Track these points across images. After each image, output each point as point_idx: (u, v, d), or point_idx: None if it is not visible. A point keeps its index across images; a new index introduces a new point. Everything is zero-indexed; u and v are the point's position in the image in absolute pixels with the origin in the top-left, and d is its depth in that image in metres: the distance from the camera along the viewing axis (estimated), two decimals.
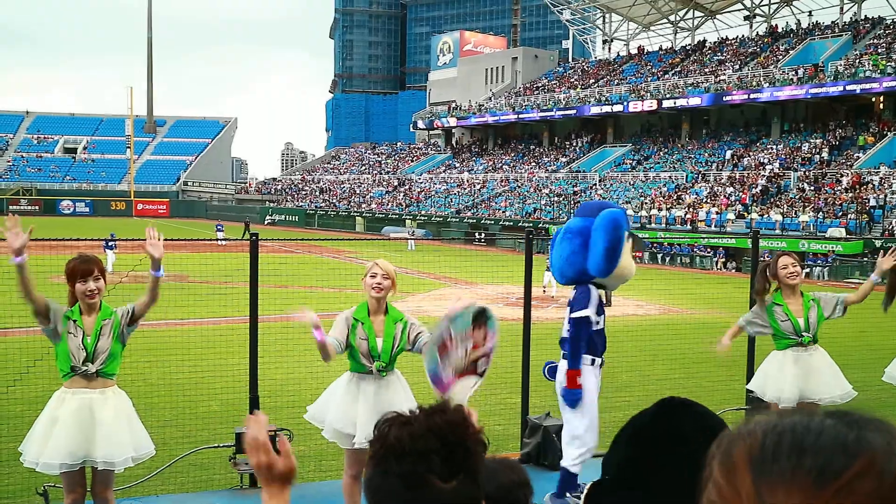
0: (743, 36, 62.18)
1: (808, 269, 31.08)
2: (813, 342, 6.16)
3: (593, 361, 5.41)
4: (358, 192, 72.76)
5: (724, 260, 36.79)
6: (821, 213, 36.84)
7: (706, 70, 56.79)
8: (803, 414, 0.82)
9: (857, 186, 38.30)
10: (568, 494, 5.53)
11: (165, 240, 4.96)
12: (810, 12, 59.63)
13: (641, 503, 1.45)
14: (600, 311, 5.40)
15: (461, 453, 1.47)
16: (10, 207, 77.16)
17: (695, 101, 52.00)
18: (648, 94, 55.46)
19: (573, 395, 5.36)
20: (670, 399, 1.54)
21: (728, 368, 10.16)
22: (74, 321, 4.63)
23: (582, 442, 5.46)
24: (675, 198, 45.03)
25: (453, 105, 75.11)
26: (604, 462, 1.61)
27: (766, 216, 38.37)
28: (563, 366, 5.44)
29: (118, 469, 4.69)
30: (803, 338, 6.08)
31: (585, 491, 1.63)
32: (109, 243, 24.73)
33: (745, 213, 40.10)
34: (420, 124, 77.58)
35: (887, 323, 7.94)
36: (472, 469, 1.49)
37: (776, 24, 60.79)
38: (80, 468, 4.61)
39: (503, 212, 53.57)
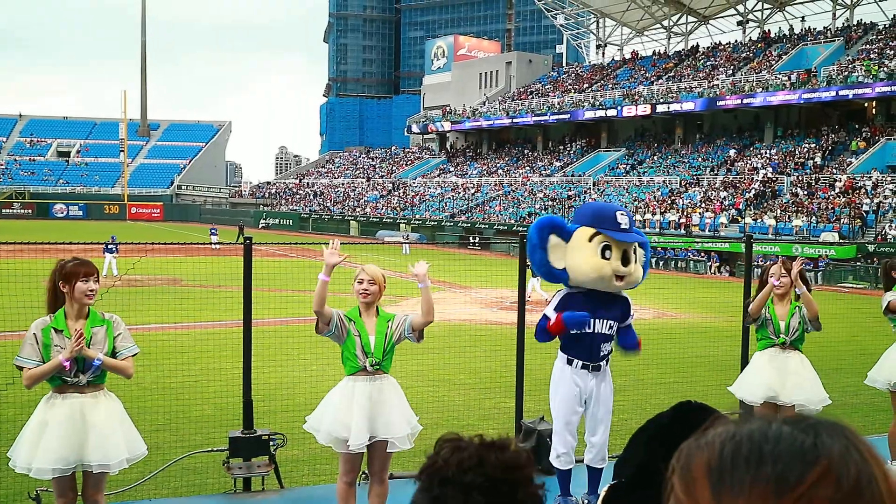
0: (736, 41, 62.41)
1: None
2: (790, 346, 6.31)
3: (570, 362, 5.40)
4: (352, 196, 72.73)
5: (717, 264, 36.87)
6: (814, 217, 36.96)
7: (699, 75, 56.99)
8: (762, 421, 0.81)
9: (850, 191, 38.45)
10: (571, 497, 5.58)
11: (159, 244, 4.92)
12: (803, 18, 59.89)
13: (650, 500, 1.45)
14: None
15: (506, 499, 1.40)
16: (4, 211, 76.96)
17: (688, 106, 52.16)
18: (642, 99, 55.61)
19: (542, 324, 5.41)
20: (687, 403, 1.54)
21: (721, 372, 10.19)
22: (60, 331, 4.50)
23: (557, 439, 5.52)
24: (668, 202, 45.14)
25: (447, 109, 75.22)
26: (617, 464, 1.61)
27: (759, 221, 38.47)
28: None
29: (113, 471, 4.66)
30: (779, 338, 6.28)
31: (603, 494, 1.63)
32: (109, 246, 24.71)
33: (739, 218, 40.21)
34: (414, 128, 77.65)
35: (879, 327, 7.97)
36: None
37: (769, 30, 61.04)
38: (72, 472, 4.58)
39: (497, 216, 53.61)
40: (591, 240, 5.22)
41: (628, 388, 10.27)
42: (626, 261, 5.27)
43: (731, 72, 55.05)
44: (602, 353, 5.43)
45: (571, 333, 5.35)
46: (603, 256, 5.21)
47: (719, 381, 9.98)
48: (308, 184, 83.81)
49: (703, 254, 38.18)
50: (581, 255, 5.23)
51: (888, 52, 46.76)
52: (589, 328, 5.35)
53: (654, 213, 43.65)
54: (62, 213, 79.57)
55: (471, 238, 47.78)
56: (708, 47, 63.70)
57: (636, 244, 5.39)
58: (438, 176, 69.73)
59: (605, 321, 5.38)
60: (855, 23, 55.01)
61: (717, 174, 47.56)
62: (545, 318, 5.41)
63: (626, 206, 45.28)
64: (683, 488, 0.81)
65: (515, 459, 1.43)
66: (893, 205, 35.84)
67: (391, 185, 71.63)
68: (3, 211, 77.63)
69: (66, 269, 4.54)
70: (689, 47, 65.60)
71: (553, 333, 5.36)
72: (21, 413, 5.93)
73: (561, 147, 64.48)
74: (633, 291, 5.78)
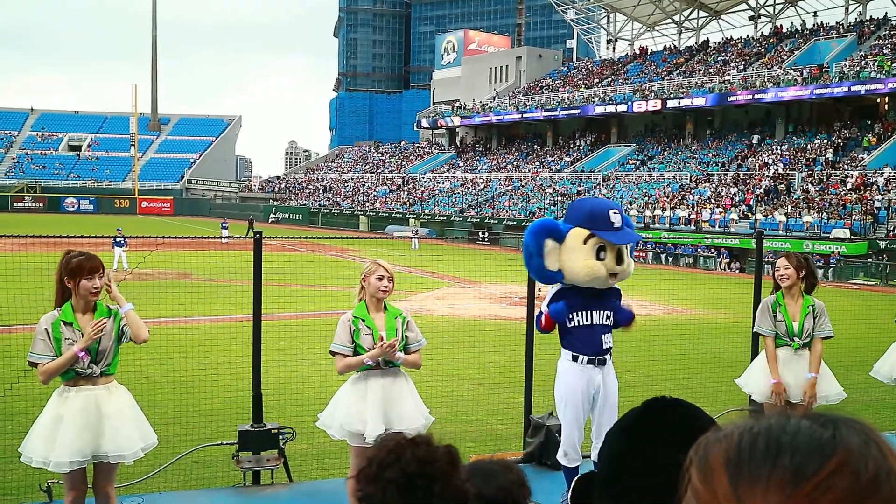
0: (747, 36, 62.09)
1: None
2: (803, 347, 6.13)
3: (575, 358, 5.40)
4: (361, 190, 72.80)
5: (728, 260, 36.74)
6: (825, 214, 36.77)
7: (710, 70, 56.73)
8: (780, 416, 0.82)
9: (862, 187, 38.23)
10: None
11: (169, 238, 4.96)
12: (815, 13, 59.55)
13: (618, 499, 1.45)
14: (573, 308, 5.37)
15: (420, 494, 1.41)
16: (15, 204, 77.36)
17: (699, 102, 51.95)
18: (652, 94, 55.41)
19: (538, 317, 5.49)
20: (661, 398, 1.53)
21: (732, 369, 10.15)
22: (70, 324, 4.53)
23: (565, 437, 5.51)
24: (679, 198, 44.99)
25: (457, 104, 75.13)
26: (597, 457, 1.61)
27: (770, 217, 38.30)
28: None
29: (129, 461, 4.68)
30: (793, 343, 6.09)
31: (573, 485, 1.63)
32: (118, 240, 24.84)
33: (750, 214, 40.05)
34: (424, 123, 77.60)
35: (890, 324, 7.94)
36: None
37: (781, 25, 60.70)
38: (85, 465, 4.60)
39: (507, 211, 53.56)
40: (585, 242, 5.22)
41: (637, 385, 10.25)
42: (619, 259, 5.27)
43: (742, 67, 54.77)
44: (605, 346, 5.42)
45: (570, 328, 5.36)
46: (598, 257, 5.22)
47: (729, 377, 9.96)
48: (318, 178, 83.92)
49: (712, 250, 38.05)
50: (577, 258, 5.24)
51: None
52: (587, 321, 5.35)
53: (663, 209, 43.52)
54: (73, 206, 79.96)
55: (480, 233, 47.77)
56: (719, 42, 63.40)
57: None
58: (448, 171, 69.70)
59: (602, 312, 5.40)
60: (868, 18, 54.64)
61: (727, 170, 47.37)
62: (541, 313, 5.44)
63: (635, 202, 45.31)
64: (701, 478, 0.82)
65: (430, 454, 1.45)
66: None
67: (401, 179, 71.64)
68: (15, 204, 78.05)
69: (71, 265, 4.54)
70: (700, 42, 65.30)
71: (545, 328, 5.43)
72: (32, 406, 5.97)
73: (571, 142, 64.33)
74: (638, 288, 5.77)
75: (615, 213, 5.25)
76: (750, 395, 6.97)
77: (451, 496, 1.44)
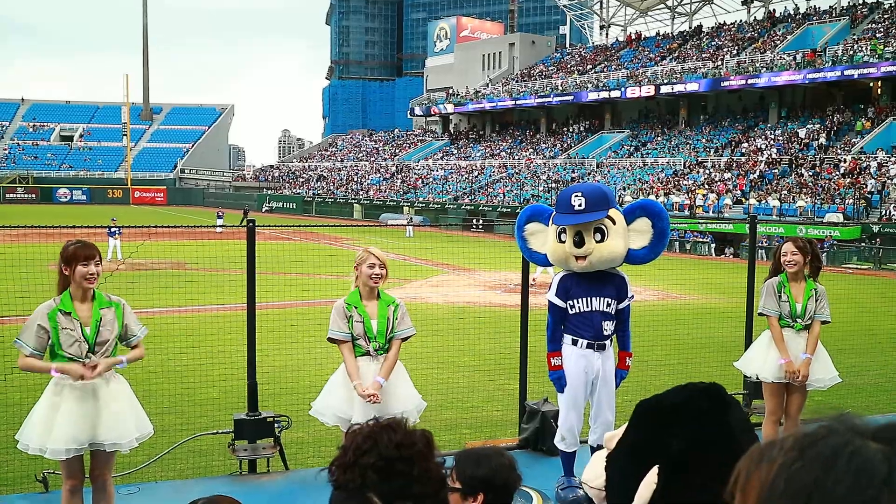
0: (741, 21, 61.99)
1: None
2: (804, 329, 6.22)
3: (575, 342, 5.42)
4: (355, 179, 72.64)
5: (724, 247, 36.80)
6: (818, 198, 36.83)
7: (704, 55, 56.66)
8: (829, 453, 0.71)
9: (855, 172, 38.29)
10: (574, 478, 5.59)
11: (163, 227, 4.94)
12: None
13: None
14: (573, 295, 5.39)
15: (401, 478, 1.41)
16: (7, 195, 77.02)
17: (692, 87, 51.90)
18: (646, 80, 55.33)
19: (553, 376, 5.48)
20: (715, 386, 1.52)
21: (726, 353, 10.19)
22: (68, 313, 4.53)
23: (563, 420, 5.55)
24: (672, 184, 45.01)
25: (450, 91, 74.93)
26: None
27: (763, 202, 38.35)
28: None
29: (124, 450, 4.71)
30: (796, 324, 6.17)
31: (635, 410, 1.63)
32: (112, 230, 24.85)
33: (743, 199, 40.10)
34: (417, 111, 77.41)
35: (883, 308, 7.97)
36: (417, 497, 1.42)
37: (774, 9, 60.60)
38: (82, 453, 4.61)
39: (501, 198, 53.52)
40: (549, 225, 5.46)
41: (632, 369, 10.27)
42: (580, 242, 5.26)
43: (735, 52, 54.72)
44: (605, 332, 5.43)
45: (571, 314, 5.40)
46: (560, 240, 5.34)
47: (724, 361, 9.99)
48: (311, 167, 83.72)
49: (707, 235, 38.11)
50: (548, 241, 5.49)
51: (894, 30, 46.43)
52: (587, 307, 5.38)
53: (657, 195, 43.54)
54: (66, 197, 79.64)
55: (474, 220, 47.75)
56: (712, 27, 63.30)
57: (603, 220, 5.22)
58: (441, 158, 69.59)
59: (602, 299, 5.40)
60: (860, 1, 54.58)
61: (721, 155, 47.40)
62: (550, 305, 5.47)
63: (629, 188, 45.29)
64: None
65: (408, 438, 1.46)
66: None
67: (394, 167, 71.51)
68: (7, 196, 77.70)
69: (68, 252, 4.56)
70: (693, 27, 65.19)
71: (549, 369, 5.52)
72: (27, 397, 5.96)
73: (564, 129, 64.27)
74: (632, 273, 5.73)
75: (577, 195, 5.23)
76: (747, 378, 7.00)
77: (429, 478, 1.45)
